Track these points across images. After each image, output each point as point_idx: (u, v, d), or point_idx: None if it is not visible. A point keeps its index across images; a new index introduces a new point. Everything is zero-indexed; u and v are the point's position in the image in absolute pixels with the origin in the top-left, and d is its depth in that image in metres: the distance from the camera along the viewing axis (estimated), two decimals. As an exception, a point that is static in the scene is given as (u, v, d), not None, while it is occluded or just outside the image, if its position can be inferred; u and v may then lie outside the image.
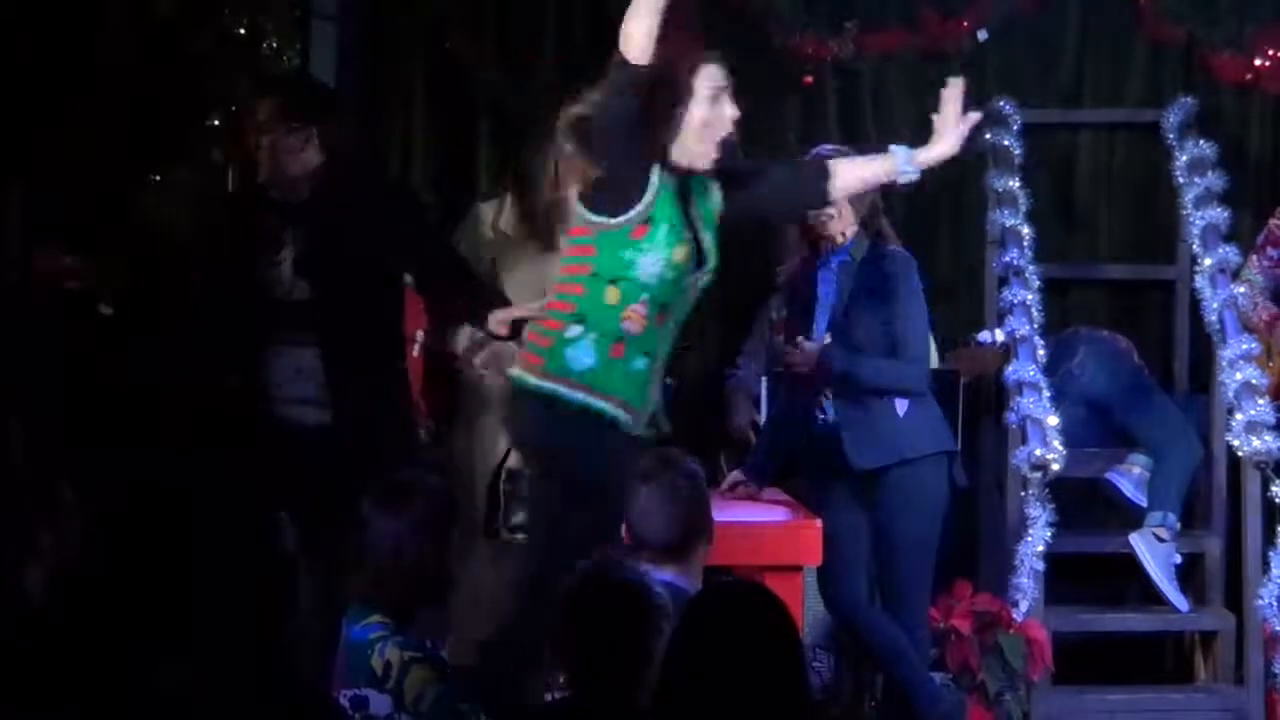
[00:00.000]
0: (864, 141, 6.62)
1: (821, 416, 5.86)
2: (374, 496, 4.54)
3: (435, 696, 4.25)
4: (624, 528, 4.89)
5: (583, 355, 4.64)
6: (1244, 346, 6.51)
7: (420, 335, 6.57)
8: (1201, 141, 7.10)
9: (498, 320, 5.32)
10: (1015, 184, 7.07)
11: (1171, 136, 7.18)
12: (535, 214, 5.73)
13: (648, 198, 4.66)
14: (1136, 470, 6.79)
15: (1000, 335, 6.77)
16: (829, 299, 5.84)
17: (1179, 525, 6.69)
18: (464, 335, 5.69)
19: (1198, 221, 6.90)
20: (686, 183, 4.79)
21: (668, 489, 4.79)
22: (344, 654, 4.33)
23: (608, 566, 4.10)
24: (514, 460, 5.71)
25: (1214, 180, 6.98)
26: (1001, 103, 7.29)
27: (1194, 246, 6.90)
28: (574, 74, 7.29)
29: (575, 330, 4.66)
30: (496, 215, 5.81)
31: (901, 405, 5.77)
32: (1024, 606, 6.39)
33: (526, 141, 5.81)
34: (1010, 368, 6.57)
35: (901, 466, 5.74)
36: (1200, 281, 6.80)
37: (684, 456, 4.94)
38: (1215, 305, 6.68)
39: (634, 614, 3.85)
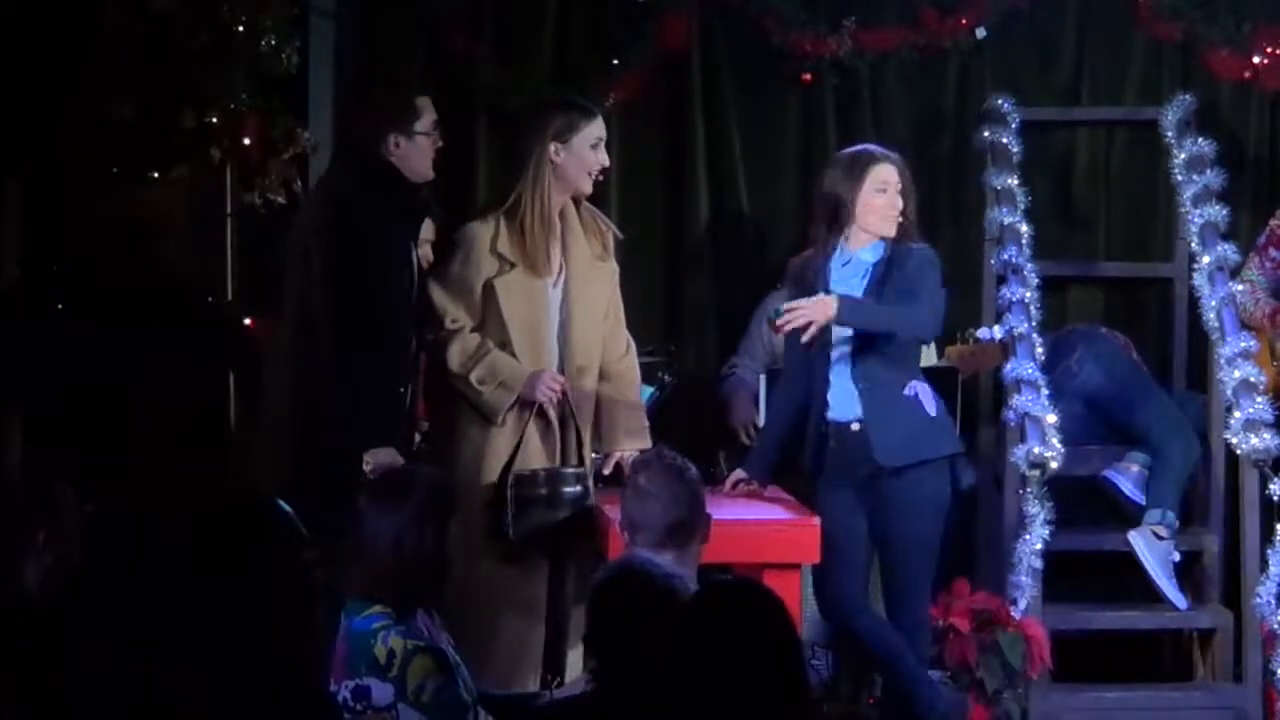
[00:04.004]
0: (862, 139, 6.61)
1: (828, 416, 5.87)
2: (372, 489, 4.55)
3: (436, 687, 4.27)
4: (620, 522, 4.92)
5: None
6: (1242, 344, 6.51)
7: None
8: (1200, 139, 7.09)
9: None
10: (1013, 182, 7.07)
11: (1170, 134, 7.17)
12: (531, 237, 5.76)
13: None
14: (1135, 468, 6.79)
15: (999, 332, 6.77)
16: (860, 292, 5.83)
17: (1177, 523, 6.69)
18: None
19: (1196, 219, 6.90)
20: None
21: (665, 474, 4.81)
22: (345, 645, 4.34)
23: (635, 563, 4.13)
24: (521, 464, 5.73)
25: (1212, 178, 6.97)
26: (1000, 100, 7.29)
27: (1192, 244, 6.90)
28: (572, 74, 7.36)
29: None
30: (494, 237, 5.81)
31: (929, 402, 5.81)
32: (1022, 604, 6.39)
33: (516, 162, 5.84)
34: (1008, 365, 6.57)
35: (915, 467, 5.76)
36: (1198, 279, 6.79)
37: (677, 454, 4.97)
38: (1213, 303, 6.67)
39: (660, 610, 3.85)
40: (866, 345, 5.79)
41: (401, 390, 5.69)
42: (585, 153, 5.80)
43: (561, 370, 5.84)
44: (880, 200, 5.83)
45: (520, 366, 5.75)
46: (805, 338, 5.69)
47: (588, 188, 5.88)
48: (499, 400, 5.74)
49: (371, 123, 5.72)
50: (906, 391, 5.83)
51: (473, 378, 5.75)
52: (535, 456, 5.78)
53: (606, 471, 5.85)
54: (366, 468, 5.47)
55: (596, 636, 4.04)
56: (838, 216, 5.87)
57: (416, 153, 5.70)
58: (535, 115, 5.95)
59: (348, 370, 5.52)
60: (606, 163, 5.89)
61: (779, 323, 5.68)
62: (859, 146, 6.07)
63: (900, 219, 5.85)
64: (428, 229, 6.51)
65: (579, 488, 5.76)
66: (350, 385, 5.51)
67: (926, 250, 5.91)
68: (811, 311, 5.66)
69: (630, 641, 3.90)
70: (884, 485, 5.81)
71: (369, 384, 5.53)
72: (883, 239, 5.86)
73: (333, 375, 5.53)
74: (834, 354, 5.86)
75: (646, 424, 6.03)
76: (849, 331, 5.81)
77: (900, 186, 5.86)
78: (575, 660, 5.73)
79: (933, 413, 5.84)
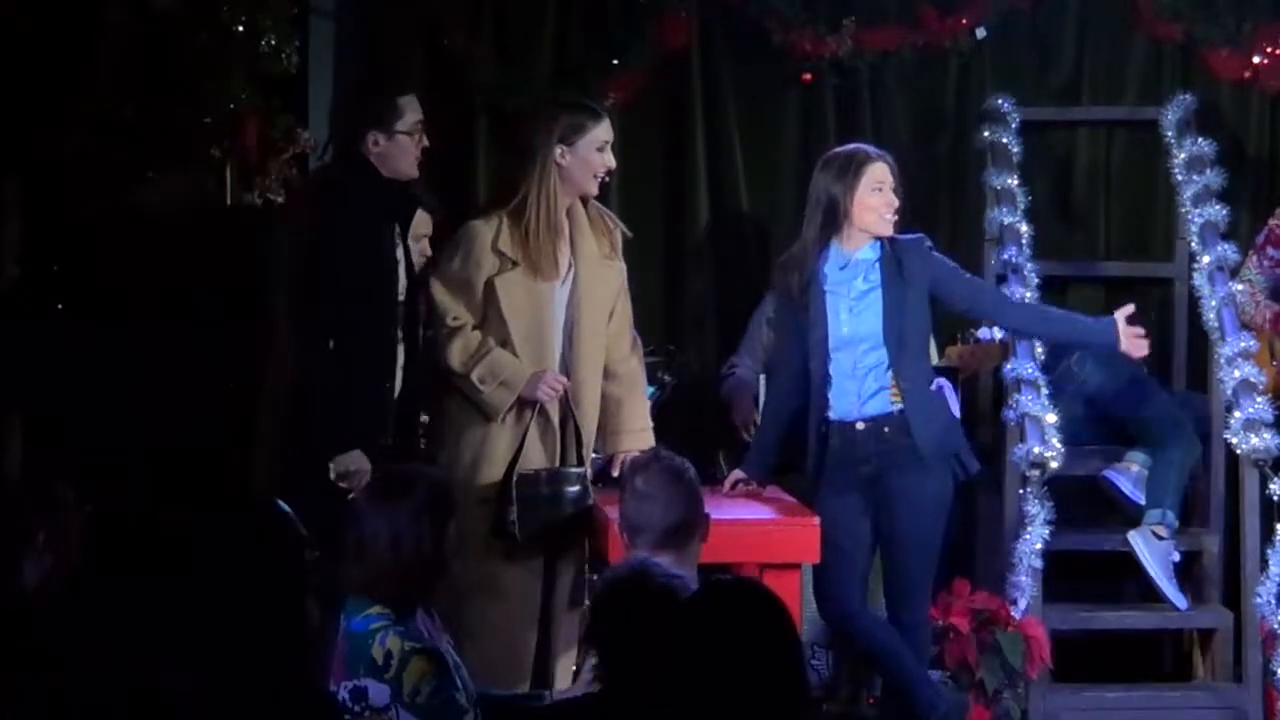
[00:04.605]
0: (862, 139, 6.61)
1: (829, 415, 5.86)
2: (372, 488, 4.55)
3: (431, 690, 4.26)
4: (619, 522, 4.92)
5: None
6: (1242, 344, 6.52)
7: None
8: (1200, 139, 7.09)
9: None
10: (1013, 182, 7.07)
11: (1170, 134, 7.18)
12: (536, 239, 5.75)
13: None
14: (1135, 468, 6.79)
15: (999, 332, 6.77)
16: (863, 293, 5.83)
17: (1177, 523, 6.69)
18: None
19: (1196, 219, 6.90)
20: None
21: (664, 475, 4.81)
22: (343, 646, 4.34)
23: (640, 567, 4.13)
24: (521, 464, 5.73)
25: (1212, 178, 6.97)
26: (1000, 100, 7.29)
27: (1192, 244, 6.90)
28: (572, 74, 7.35)
29: None
30: (495, 235, 5.79)
31: (953, 400, 5.85)
32: (1022, 604, 6.39)
33: (527, 159, 5.82)
34: (1009, 365, 6.58)
35: (919, 467, 5.76)
36: (1198, 279, 6.80)
37: (674, 454, 4.97)
38: (1213, 303, 6.68)
39: (663, 611, 3.85)
40: (907, 345, 5.80)
41: (386, 387, 5.67)
42: (591, 155, 5.79)
43: (566, 370, 5.84)
44: (877, 199, 5.83)
45: (521, 366, 5.74)
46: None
47: (593, 190, 5.86)
48: (500, 399, 5.74)
49: (353, 121, 5.72)
50: (932, 387, 5.87)
51: (474, 376, 5.74)
52: (535, 456, 5.78)
53: (615, 473, 5.84)
54: (331, 476, 5.46)
55: (600, 638, 4.04)
56: (833, 218, 5.86)
57: (397, 151, 5.68)
58: (542, 115, 5.93)
59: (322, 369, 5.51)
60: (613, 165, 5.87)
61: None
62: (850, 146, 6.06)
63: (895, 217, 5.86)
64: (425, 224, 6.51)
65: (579, 488, 5.76)
66: (325, 384, 5.50)
67: (924, 240, 5.92)
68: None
69: (633, 643, 3.90)
70: (887, 484, 5.81)
71: (344, 382, 5.52)
72: (877, 238, 5.85)
73: (308, 374, 5.53)
74: (844, 355, 5.85)
75: (650, 424, 6.03)
76: (875, 329, 5.80)
77: (894, 185, 5.86)
78: (566, 662, 5.73)
79: (956, 411, 5.91)
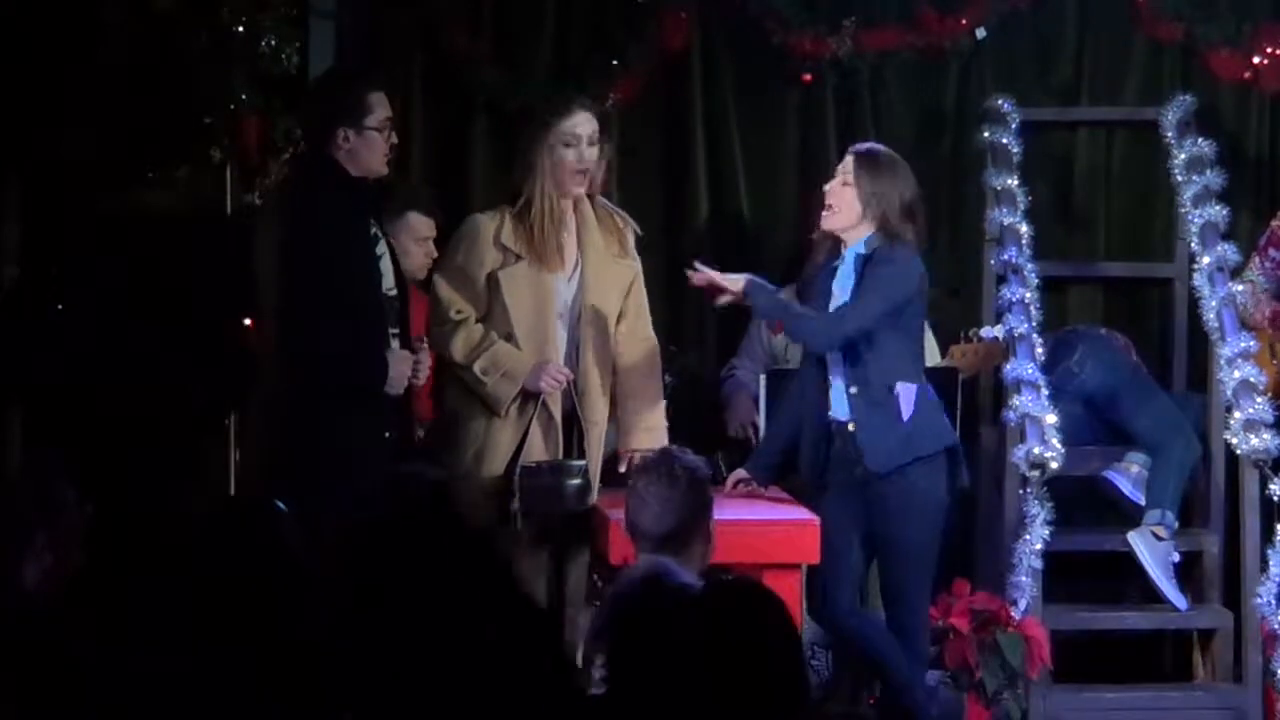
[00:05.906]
0: (863, 139, 6.61)
1: (830, 415, 5.85)
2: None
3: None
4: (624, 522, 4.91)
5: None
6: (1242, 344, 6.52)
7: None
8: (1200, 139, 7.09)
9: None
10: (1013, 182, 7.07)
11: (1170, 134, 7.18)
12: (540, 232, 5.75)
13: None
14: (1135, 468, 6.79)
15: (1000, 332, 6.77)
16: (841, 295, 5.84)
17: (1177, 523, 6.69)
18: None
19: (1196, 219, 6.90)
20: None
21: (664, 478, 4.80)
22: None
23: (652, 570, 4.13)
24: (526, 458, 5.73)
25: (1212, 178, 6.97)
26: (1000, 101, 7.29)
27: (1192, 244, 6.90)
28: (572, 74, 7.36)
29: None
30: (498, 229, 5.80)
31: (907, 406, 5.75)
32: (1022, 605, 6.39)
33: (524, 157, 5.82)
34: (1008, 366, 6.57)
35: (902, 471, 5.73)
36: (1198, 279, 6.80)
37: (686, 453, 4.95)
38: (1213, 303, 6.68)
39: (675, 618, 3.85)
40: (860, 347, 5.77)
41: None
42: (560, 150, 5.79)
43: (571, 364, 5.84)
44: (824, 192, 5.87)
45: (524, 358, 5.75)
46: (718, 303, 5.91)
47: (572, 187, 5.84)
48: (503, 391, 5.74)
49: (321, 118, 5.67)
50: (892, 393, 5.80)
51: (476, 368, 5.75)
52: (538, 450, 5.79)
53: (622, 469, 5.83)
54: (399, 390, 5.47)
55: (612, 642, 4.02)
56: None
57: (366, 148, 5.60)
58: (537, 111, 5.97)
59: (313, 368, 5.50)
60: (590, 161, 5.84)
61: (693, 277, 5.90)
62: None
63: (829, 212, 5.83)
64: (427, 226, 6.51)
65: (580, 481, 5.75)
66: (317, 382, 5.49)
67: (903, 255, 5.81)
68: (726, 283, 5.84)
69: (643, 649, 3.89)
70: (876, 488, 5.78)
71: (339, 381, 5.51)
72: (872, 234, 5.82)
73: (298, 376, 5.51)
74: (830, 355, 5.85)
75: (663, 424, 6.02)
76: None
77: (843, 180, 5.83)
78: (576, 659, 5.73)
79: (907, 415, 5.75)
